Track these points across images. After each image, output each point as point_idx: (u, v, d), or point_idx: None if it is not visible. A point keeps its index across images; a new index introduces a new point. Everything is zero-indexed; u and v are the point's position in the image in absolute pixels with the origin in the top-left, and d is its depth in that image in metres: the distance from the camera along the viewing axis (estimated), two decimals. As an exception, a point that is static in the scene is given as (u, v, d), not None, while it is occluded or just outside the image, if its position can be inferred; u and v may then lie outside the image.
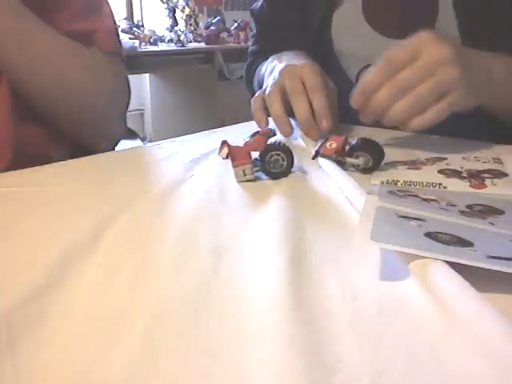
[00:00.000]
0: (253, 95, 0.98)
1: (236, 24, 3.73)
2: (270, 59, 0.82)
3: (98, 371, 0.25)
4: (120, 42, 0.82)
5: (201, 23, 3.66)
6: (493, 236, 0.38)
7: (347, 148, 0.57)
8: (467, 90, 0.59)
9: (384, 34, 0.79)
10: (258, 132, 0.56)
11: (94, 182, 0.56)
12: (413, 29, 0.61)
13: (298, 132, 0.75)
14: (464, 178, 0.53)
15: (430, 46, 0.58)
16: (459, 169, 0.55)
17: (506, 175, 0.53)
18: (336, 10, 0.81)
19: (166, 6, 3.51)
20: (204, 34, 3.61)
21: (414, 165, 0.58)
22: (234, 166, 0.54)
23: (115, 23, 0.82)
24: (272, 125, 0.68)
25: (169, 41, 3.45)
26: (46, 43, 0.69)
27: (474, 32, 0.72)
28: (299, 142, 0.69)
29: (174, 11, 3.53)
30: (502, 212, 0.43)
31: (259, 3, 0.96)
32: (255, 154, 0.54)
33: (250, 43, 1.03)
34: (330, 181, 0.53)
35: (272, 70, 0.76)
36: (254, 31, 1.01)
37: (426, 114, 0.59)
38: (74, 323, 0.29)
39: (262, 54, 0.92)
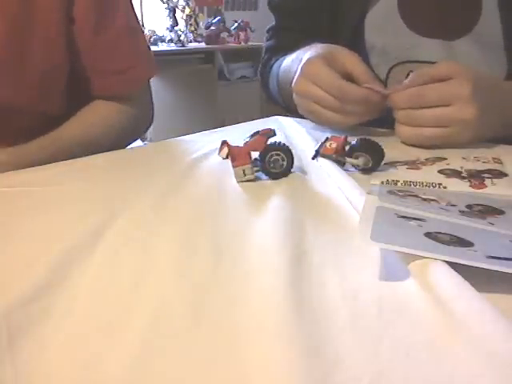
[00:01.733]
0: (267, 92, 0.97)
1: (236, 24, 3.73)
2: (293, 54, 0.80)
3: (98, 371, 0.25)
4: (149, 55, 0.85)
5: (201, 23, 3.66)
6: (493, 236, 0.38)
7: (347, 148, 0.57)
8: (471, 133, 0.62)
9: (418, 33, 0.78)
10: (258, 132, 0.56)
11: (94, 181, 0.56)
12: (450, 28, 0.62)
13: (298, 131, 0.75)
14: (464, 178, 0.53)
15: (455, 77, 0.61)
16: (459, 169, 0.55)
17: (506, 175, 0.53)
18: (372, 7, 0.80)
19: (166, 5, 3.51)
20: (204, 34, 3.61)
21: (413, 165, 0.58)
22: (234, 166, 0.54)
23: (144, 39, 0.86)
24: (272, 125, 0.68)
25: (169, 41, 3.45)
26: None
27: None
28: (300, 141, 0.69)
29: (174, 11, 3.52)
30: (502, 212, 0.43)
31: None
32: (255, 154, 0.54)
33: (265, 37, 0.99)
34: (330, 181, 0.53)
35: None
36: (272, 24, 0.97)
37: (419, 130, 0.63)
38: (74, 323, 0.29)
39: (280, 50, 0.90)
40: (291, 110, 0.89)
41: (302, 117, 0.78)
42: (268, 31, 0.99)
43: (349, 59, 0.68)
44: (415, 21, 0.78)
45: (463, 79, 0.60)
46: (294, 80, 0.71)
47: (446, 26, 0.67)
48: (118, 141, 0.78)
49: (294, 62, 0.77)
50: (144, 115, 0.87)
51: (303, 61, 0.70)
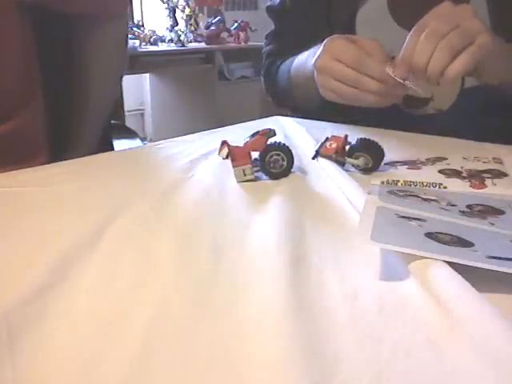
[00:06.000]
0: (274, 93, 0.97)
1: (236, 24, 3.72)
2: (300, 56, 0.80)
3: (98, 371, 0.25)
4: None
5: (201, 23, 3.66)
6: (493, 236, 0.38)
7: (347, 148, 0.57)
8: (490, 36, 0.61)
9: (407, 29, 0.78)
10: (258, 132, 0.56)
11: (94, 181, 0.56)
12: None
13: (297, 130, 0.75)
14: (464, 177, 0.53)
15: (450, 7, 0.62)
16: (459, 169, 0.55)
17: (506, 175, 0.53)
18: (362, 5, 0.81)
19: (166, 5, 3.51)
20: (204, 34, 3.61)
21: (414, 165, 0.58)
22: (234, 166, 0.54)
23: None
24: (272, 125, 0.68)
25: (169, 41, 3.45)
26: None
27: (506, 28, 0.72)
28: (300, 141, 0.69)
29: (174, 11, 3.52)
30: (502, 212, 0.43)
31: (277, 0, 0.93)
32: (255, 154, 0.54)
33: (264, 43, 0.99)
34: (330, 181, 0.53)
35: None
36: (272, 29, 0.97)
37: (460, 57, 0.61)
38: (74, 323, 0.29)
39: (282, 54, 0.91)
40: (300, 108, 0.88)
41: (305, 117, 0.78)
42: (267, 37, 0.99)
43: (368, 42, 0.68)
44: (404, 17, 0.80)
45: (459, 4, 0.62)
46: (316, 57, 0.70)
47: None
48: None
49: (308, 56, 0.77)
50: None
51: (325, 41, 0.70)
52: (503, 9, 0.73)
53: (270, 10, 0.96)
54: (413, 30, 0.63)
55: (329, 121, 0.82)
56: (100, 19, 0.80)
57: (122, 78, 0.94)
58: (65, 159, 0.65)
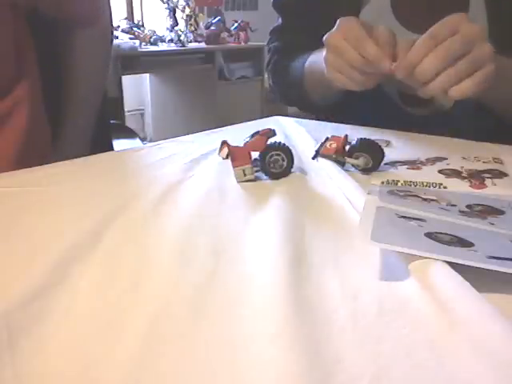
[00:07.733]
0: (281, 88, 0.96)
1: (236, 24, 3.73)
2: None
3: (98, 371, 0.25)
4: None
5: (201, 23, 3.66)
6: (493, 236, 0.38)
7: (347, 148, 0.57)
8: (494, 65, 0.61)
9: (410, 29, 0.79)
10: (258, 132, 0.56)
11: (94, 182, 0.56)
12: None
13: (297, 131, 0.75)
14: (464, 177, 0.53)
15: (466, 23, 0.61)
16: (459, 169, 0.55)
17: (506, 175, 0.53)
18: (365, 4, 0.82)
19: (166, 5, 3.51)
20: (204, 34, 3.61)
21: (414, 165, 0.58)
22: (234, 166, 0.54)
23: None
24: (272, 125, 0.68)
25: (169, 41, 3.45)
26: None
27: (503, 30, 0.72)
28: (300, 141, 0.69)
29: (175, 11, 3.52)
30: (502, 212, 0.43)
31: None
32: (255, 154, 0.54)
33: (269, 38, 0.98)
34: (330, 181, 0.53)
35: None
36: (277, 25, 0.96)
37: (464, 83, 0.60)
38: (74, 323, 0.29)
39: (289, 50, 0.90)
40: (313, 105, 0.87)
41: (312, 113, 0.78)
42: (272, 32, 0.98)
43: (382, 32, 0.66)
44: (407, 17, 0.80)
45: (475, 23, 0.61)
46: (328, 34, 0.70)
47: (435, 23, 0.67)
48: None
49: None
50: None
51: (340, 19, 0.70)
52: (503, 16, 0.73)
53: (277, 4, 0.95)
54: (425, 36, 0.62)
55: (329, 121, 0.82)
56: (84, 23, 0.81)
57: (106, 78, 0.93)
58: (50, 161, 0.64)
